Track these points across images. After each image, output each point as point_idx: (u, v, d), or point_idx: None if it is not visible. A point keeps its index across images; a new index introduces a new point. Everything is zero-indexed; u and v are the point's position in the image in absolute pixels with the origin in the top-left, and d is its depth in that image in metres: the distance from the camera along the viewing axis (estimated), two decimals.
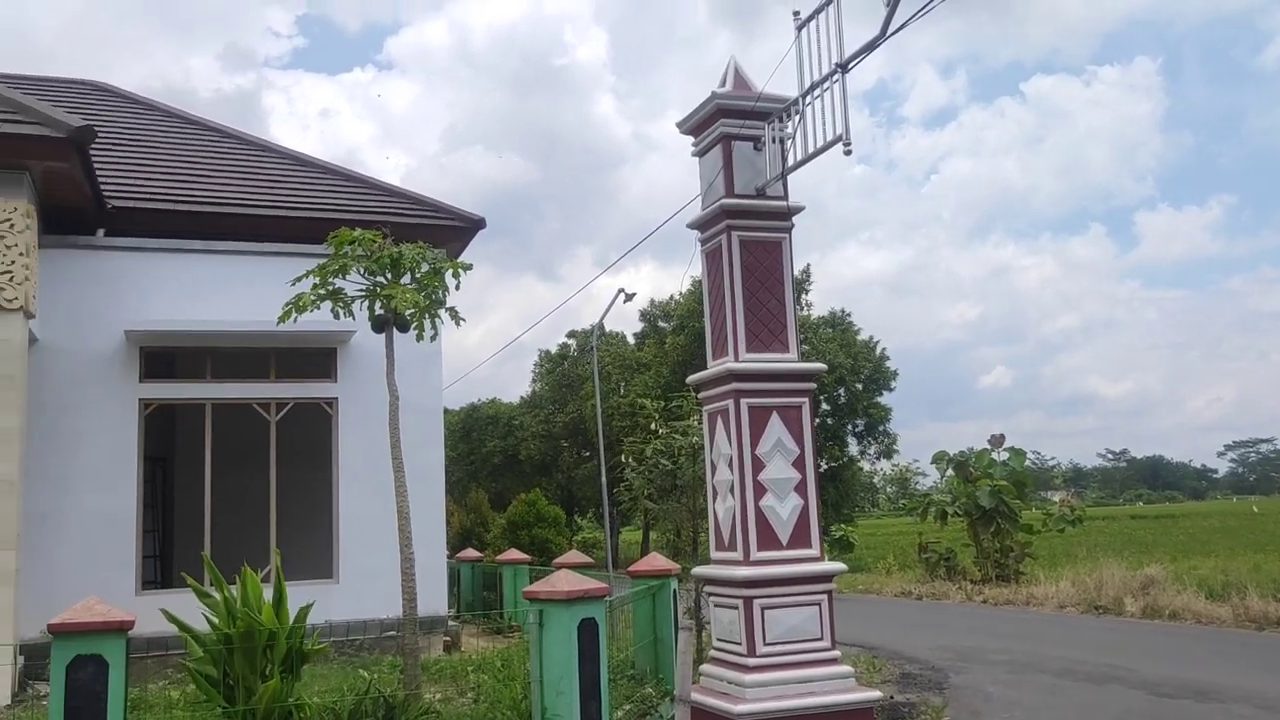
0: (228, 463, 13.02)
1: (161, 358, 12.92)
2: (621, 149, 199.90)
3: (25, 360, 10.75)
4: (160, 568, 15.43)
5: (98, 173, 12.17)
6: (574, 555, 14.03)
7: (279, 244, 13.20)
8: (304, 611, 7.03)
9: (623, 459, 14.98)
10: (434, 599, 12.42)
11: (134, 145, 15.42)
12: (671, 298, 39.49)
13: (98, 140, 11.36)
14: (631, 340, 42.02)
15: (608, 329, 36.65)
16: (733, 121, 8.97)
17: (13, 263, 10.56)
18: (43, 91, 15.40)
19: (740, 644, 8.21)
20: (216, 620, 6.96)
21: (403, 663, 9.98)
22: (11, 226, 10.62)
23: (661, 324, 39.21)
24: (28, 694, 10.22)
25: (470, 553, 18.12)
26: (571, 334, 44.93)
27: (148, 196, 13.82)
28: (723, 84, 9.05)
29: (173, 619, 7.13)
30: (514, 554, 15.93)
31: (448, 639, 12.64)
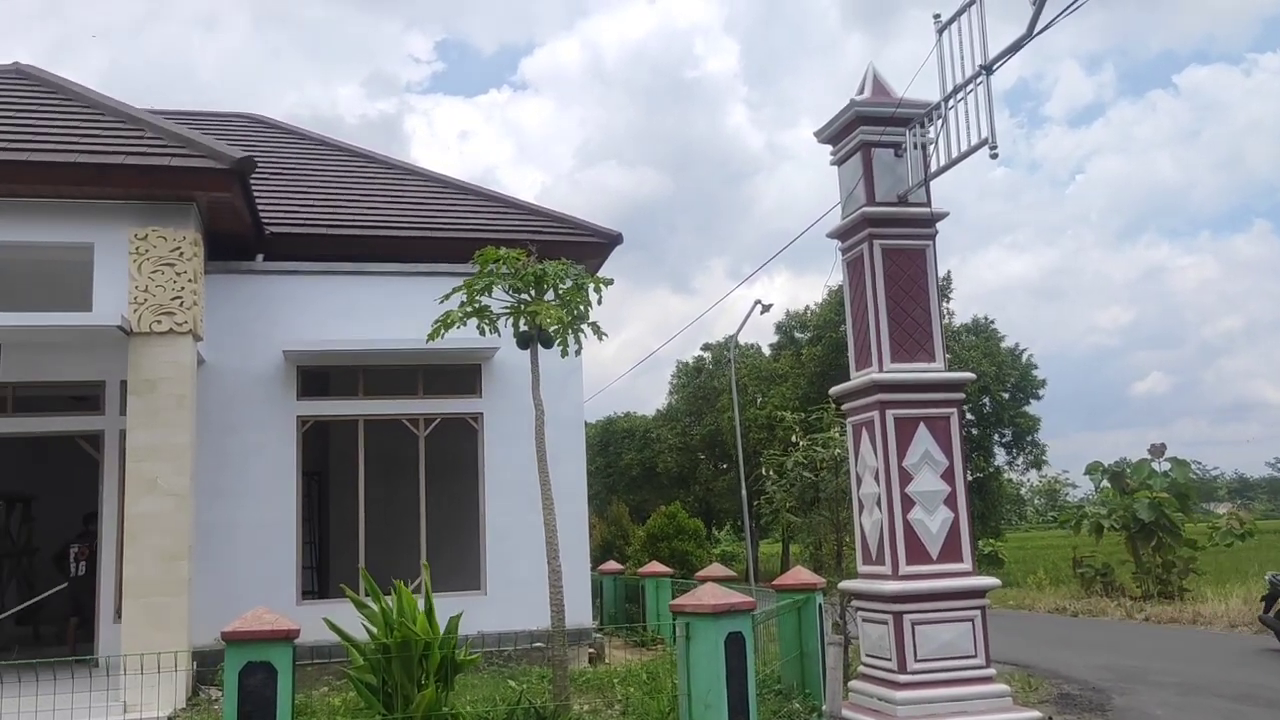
0: (379, 476, 13.46)
1: (316, 376, 13.46)
2: (754, 159, 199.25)
3: (195, 380, 11.34)
4: (317, 578, 16.04)
5: (256, 201, 12.79)
6: (716, 568, 13.97)
7: (425, 264, 13.60)
8: (454, 622, 7.21)
9: (763, 471, 14.83)
10: (579, 611, 12.56)
11: (288, 174, 16.15)
12: (807, 308, 39.12)
13: (256, 170, 11.94)
14: (767, 352, 41.76)
15: (743, 341, 36.52)
16: (872, 129, 8.85)
17: (182, 289, 11.17)
18: (204, 125, 16.27)
19: (890, 660, 8.04)
20: (375, 630, 7.20)
21: (551, 674, 10.13)
22: (181, 255, 11.23)
23: (798, 335, 38.85)
24: (200, 698, 10.75)
25: (612, 565, 18.27)
26: (706, 346, 44.90)
27: (302, 222, 14.46)
28: (861, 91, 8.93)
29: (335, 628, 7.40)
30: (656, 567, 15.99)
31: (592, 651, 12.75)
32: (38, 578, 16.82)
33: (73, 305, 11.26)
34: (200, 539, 11.52)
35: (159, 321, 11.02)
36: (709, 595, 7.18)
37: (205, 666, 11.09)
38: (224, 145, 11.97)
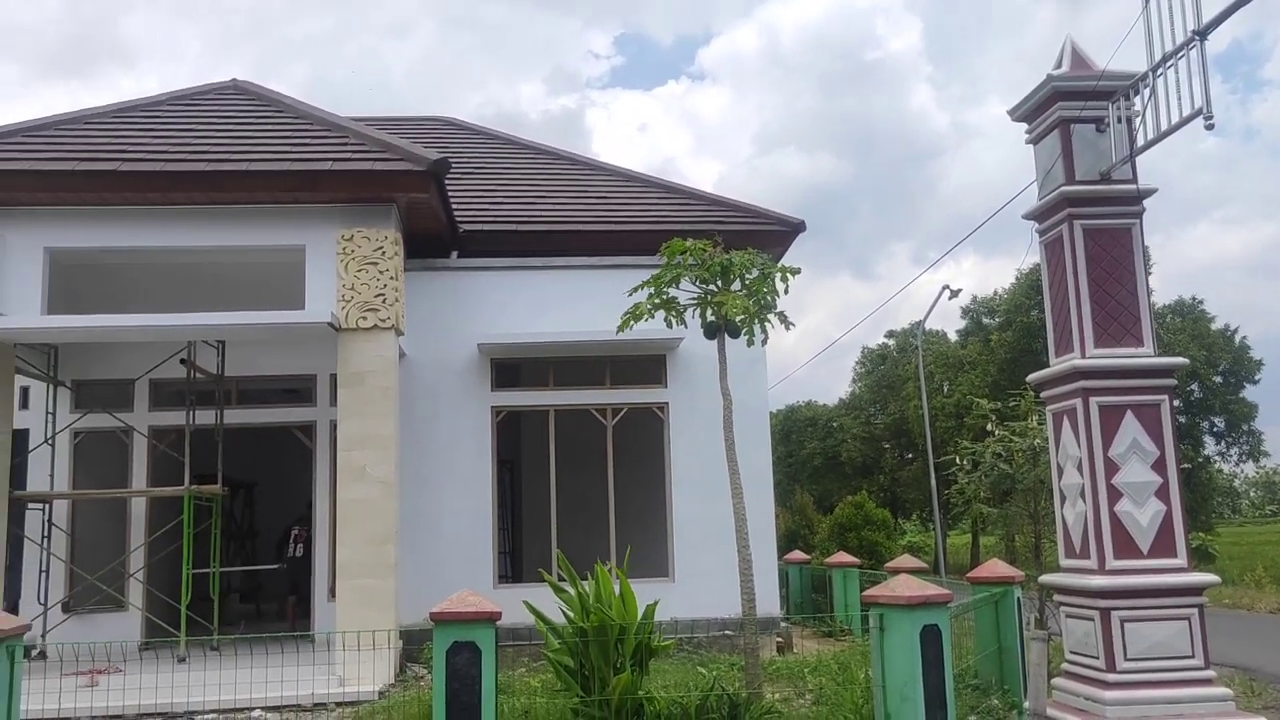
0: (568, 464, 13.82)
1: (508, 368, 13.93)
2: (939, 139, 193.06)
3: (397, 374, 11.93)
4: (511, 563, 16.61)
5: (450, 200, 13.32)
6: (907, 559, 13.71)
7: (612, 257, 13.86)
8: (651, 609, 7.34)
9: (956, 461, 14.42)
10: (767, 600, 12.57)
11: (479, 173, 16.75)
12: (996, 292, 37.71)
13: (450, 170, 12.43)
14: (954, 338, 40.50)
15: (929, 327, 35.55)
16: (1071, 104, 8.47)
17: (384, 286, 11.76)
18: (400, 130, 17.05)
19: (1097, 658, 7.71)
20: (572, 614, 7.41)
21: (741, 661, 10.18)
22: (383, 254, 11.83)
23: (986, 320, 37.51)
24: (407, 674, 11.32)
25: (798, 555, 18.15)
26: (890, 333, 43.96)
27: (494, 219, 14.98)
28: (1058, 65, 8.56)
29: (534, 611, 7.66)
30: (843, 557, 15.80)
31: (780, 640, 12.73)
32: (259, 559, 18.10)
33: (276, 305, 12.02)
34: (404, 524, 12.12)
35: (364, 318, 11.64)
36: (904, 587, 7.05)
37: (411, 645, 11.69)
38: (420, 148, 12.53)
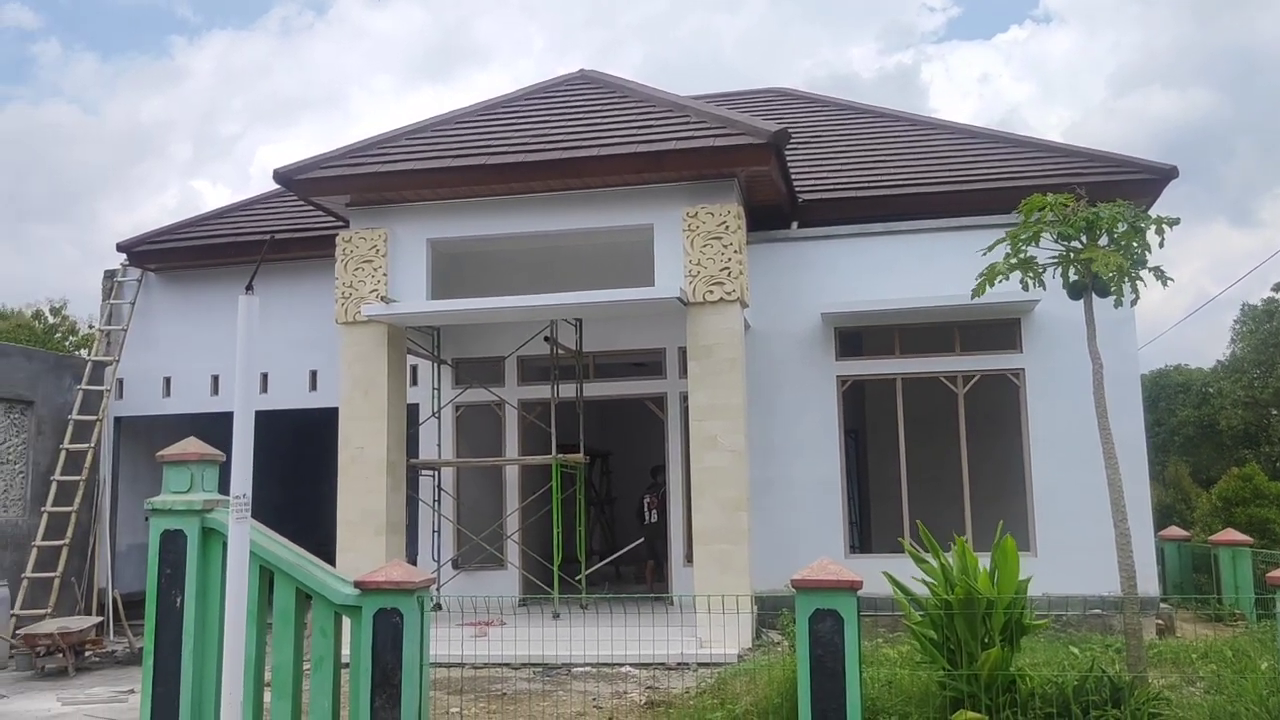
0: (914, 433, 13.48)
1: (851, 336, 13.78)
2: None
3: (743, 345, 12.15)
4: (858, 533, 16.48)
5: (789, 170, 13.34)
6: None
7: (956, 219, 13.34)
8: (1024, 584, 7.03)
9: None
10: (1143, 579, 11.57)
11: (815, 141, 16.65)
12: None
13: (790, 141, 12.43)
14: None
15: None
16: None
17: (729, 260, 11.99)
18: (735, 104, 17.29)
19: None
20: (935, 585, 7.24)
21: (1118, 643, 9.53)
22: (726, 228, 12.06)
23: None
24: (762, 640, 11.56)
25: (1175, 531, 16.67)
26: (1278, 286, 39.18)
27: (832, 187, 14.86)
28: None
29: (894, 582, 7.56)
30: (1231, 534, 14.33)
31: (1160, 622, 11.78)
32: (616, 523, 19.16)
33: (624, 283, 12.55)
34: (755, 493, 12.35)
35: (710, 292, 11.93)
36: None
37: (764, 611, 11.91)
38: (759, 121, 12.63)
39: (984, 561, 7.37)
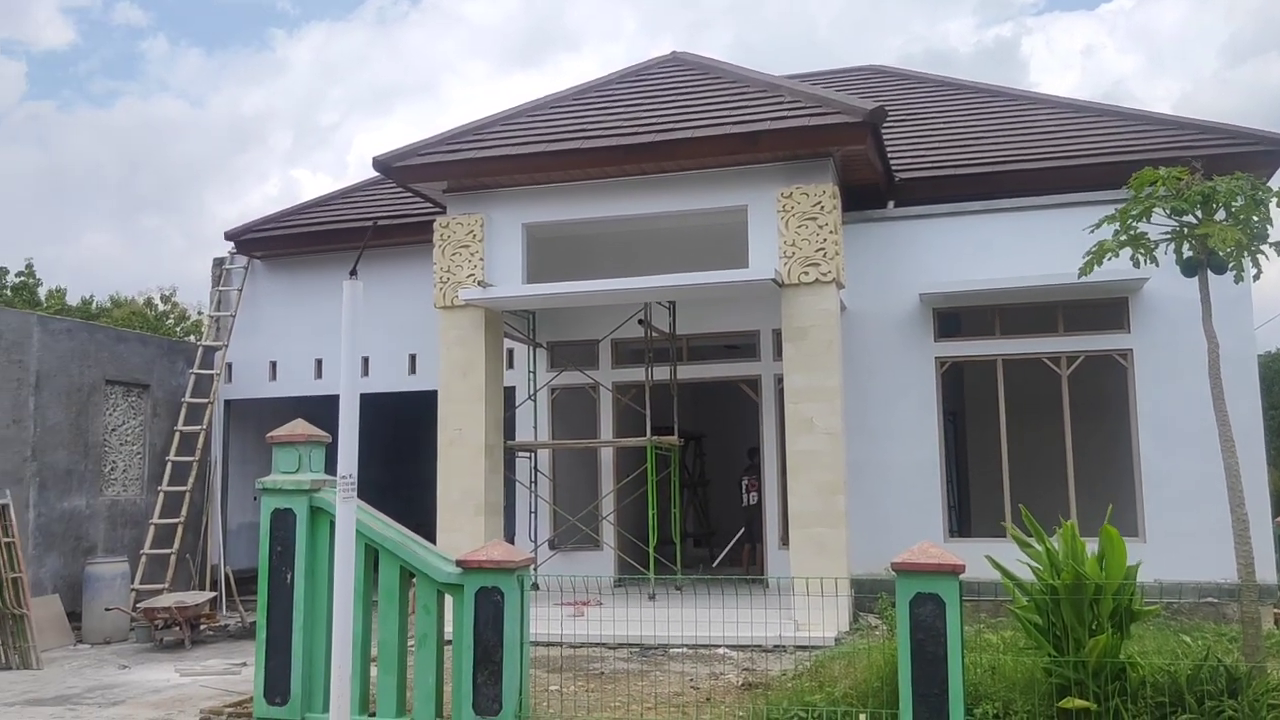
0: (1016, 415, 13.17)
1: (950, 317, 13.52)
2: None
3: (839, 326, 12.01)
4: (957, 517, 16.20)
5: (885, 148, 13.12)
6: None
7: (1059, 195, 12.97)
8: (1133, 570, 6.83)
9: None
10: (1262, 566, 11.17)
11: (911, 119, 16.33)
12: None
13: (886, 119, 12.21)
14: None
15: None
16: None
17: (824, 241, 11.85)
18: (828, 83, 17.08)
19: None
20: (1040, 570, 7.08)
21: (1233, 632, 9.22)
22: (821, 209, 11.92)
23: None
24: (860, 624, 11.46)
25: None
26: None
27: (929, 165, 14.58)
28: None
29: (997, 566, 7.42)
30: None
31: (1278, 611, 11.36)
32: (710, 505, 19.17)
33: (717, 265, 12.48)
34: (851, 476, 12.22)
35: (806, 273, 11.82)
36: None
37: (861, 594, 11.80)
38: (855, 99, 12.44)
39: (1090, 547, 7.19)
